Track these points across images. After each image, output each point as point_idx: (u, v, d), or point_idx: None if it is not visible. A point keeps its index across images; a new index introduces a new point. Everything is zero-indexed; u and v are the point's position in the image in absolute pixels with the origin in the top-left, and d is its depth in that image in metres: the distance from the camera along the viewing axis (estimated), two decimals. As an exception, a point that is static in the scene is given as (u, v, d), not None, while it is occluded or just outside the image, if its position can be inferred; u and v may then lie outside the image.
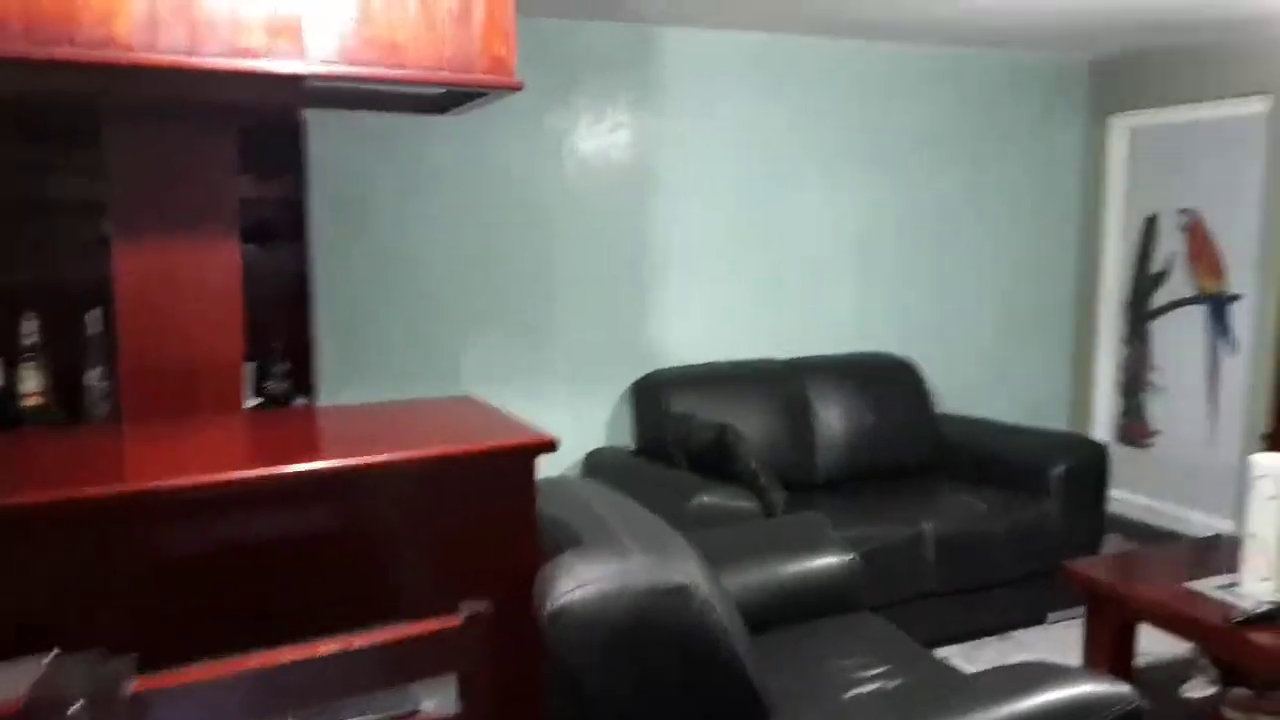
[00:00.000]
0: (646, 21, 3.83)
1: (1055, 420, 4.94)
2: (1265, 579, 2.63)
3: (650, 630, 1.62)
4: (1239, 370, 4.27)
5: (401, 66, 1.93)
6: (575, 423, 3.87)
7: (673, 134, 3.98)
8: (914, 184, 4.48)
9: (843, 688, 2.13)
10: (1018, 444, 3.90)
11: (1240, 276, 4.26)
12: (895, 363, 4.19)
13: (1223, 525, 4.32)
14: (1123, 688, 1.71)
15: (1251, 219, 4.18)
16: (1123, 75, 4.63)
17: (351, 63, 1.89)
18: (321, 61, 1.86)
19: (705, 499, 3.04)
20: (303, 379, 3.14)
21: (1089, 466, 3.67)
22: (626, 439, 3.97)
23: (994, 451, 3.90)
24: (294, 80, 1.89)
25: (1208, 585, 2.70)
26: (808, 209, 4.25)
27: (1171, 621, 2.69)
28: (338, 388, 3.31)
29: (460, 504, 1.70)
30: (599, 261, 3.93)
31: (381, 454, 1.62)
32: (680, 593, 1.64)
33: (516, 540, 1.71)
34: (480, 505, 1.71)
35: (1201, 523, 4.40)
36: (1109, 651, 2.85)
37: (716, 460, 3.26)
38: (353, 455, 1.62)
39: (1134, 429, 4.77)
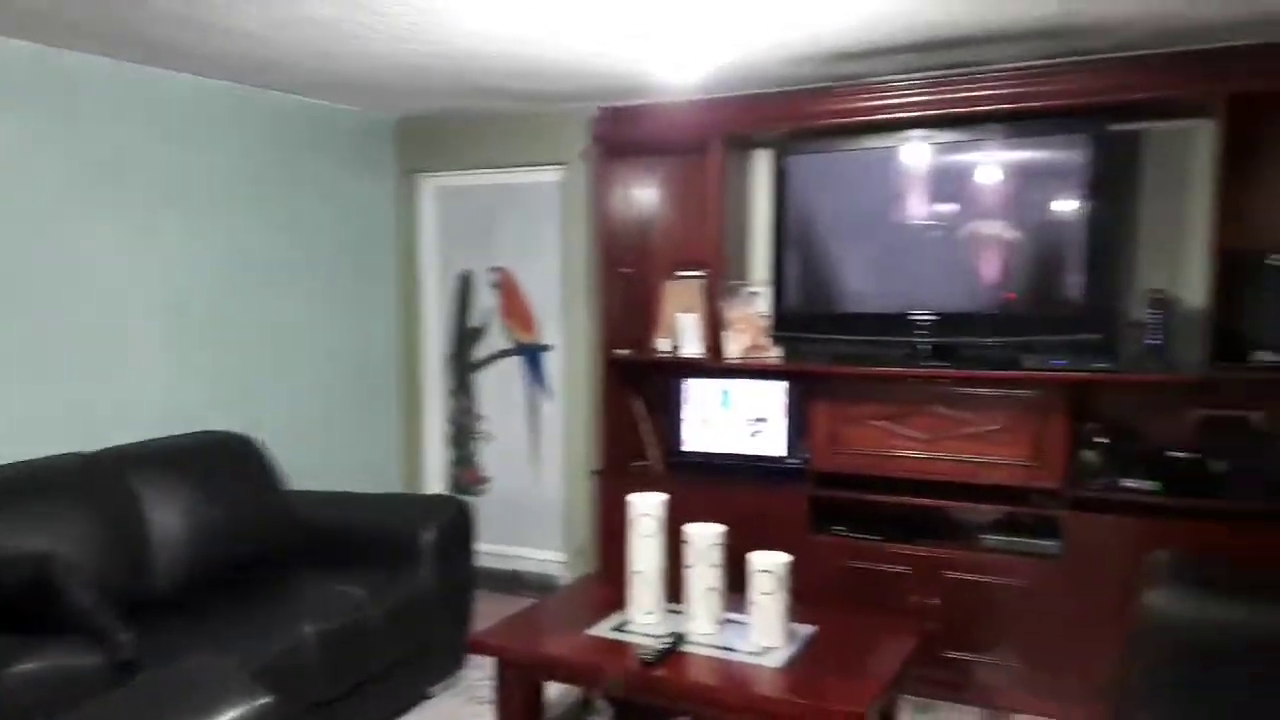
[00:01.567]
0: None
1: (391, 480, 4.85)
2: (650, 612, 2.83)
3: None
4: (555, 414, 4.66)
5: None
6: None
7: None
8: (233, 238, 3.98)
9: None
10: (380, 514, 3.67)
11: (549, 329, 4.66)
12: (232, 441, 3.63)
13: (555, 558, 4.67)
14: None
15: (553, 276, 4.60)
16: (430, 136, 4.75)
17: None
18: None
19: (28, 665, 2.18)
20: None
21: (457, 525, 3.61)
22: None
23: (356, 526, 3.61)
24: None
25: (605, 629, 2.80)
26: (103, 266, 3.48)
27: (586, 675, 2.72)
28: None
29: None
30: None
31: None
32: None
33: None
34: None
35: (538, 558, 4.70)
36: (521, 716, 2.79)
37: (30, 606, 2.39)
38: None
39: (467, 477, 4.90)
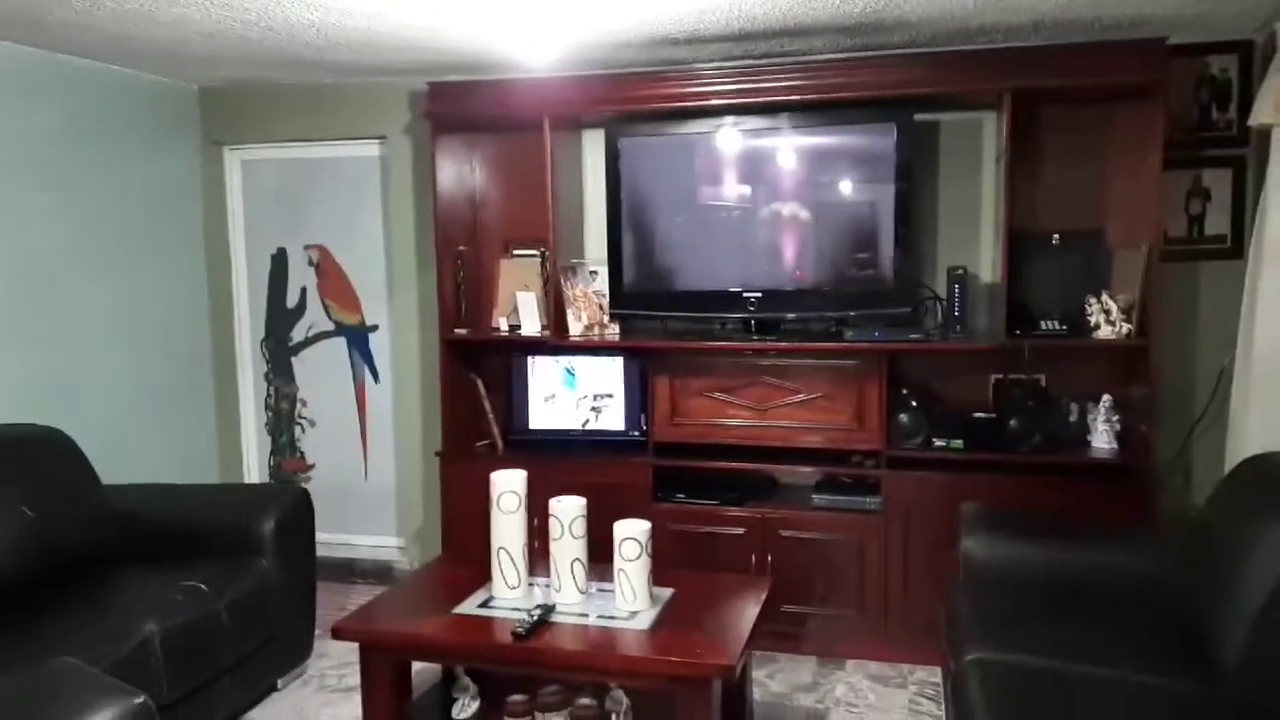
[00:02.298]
0: None
1: (209, 471, 4.60)
2: (514, 586, 2.88)
3: None
4: (384, 397, 4.56)
5: None
6: None
7: None
8: (28, 219, 3.64)
9: None
10: (214, 505, 3.51)
11: (374, 308, 4.55)
12: (42, 435, 3.34)
13: (390, 544, 4.60)
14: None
15: (376, 254, 4.49)
16: (236, 107, 4.50)
17: None
18: None
19: None
20: None
21: (298, 514, 3.48)
22: None
23: (189, 519, 3.42)
24: None
25: (471, 606, 2.82)
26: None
27: (461, 655, 2.74)
28: None
29: None
30: None
31: None
32: None
33: None
34: None
35: (370, 545, 4.60)
36: (388, 701, 2.77)
37: None
38: None
39: (289, 465, 4.72)
